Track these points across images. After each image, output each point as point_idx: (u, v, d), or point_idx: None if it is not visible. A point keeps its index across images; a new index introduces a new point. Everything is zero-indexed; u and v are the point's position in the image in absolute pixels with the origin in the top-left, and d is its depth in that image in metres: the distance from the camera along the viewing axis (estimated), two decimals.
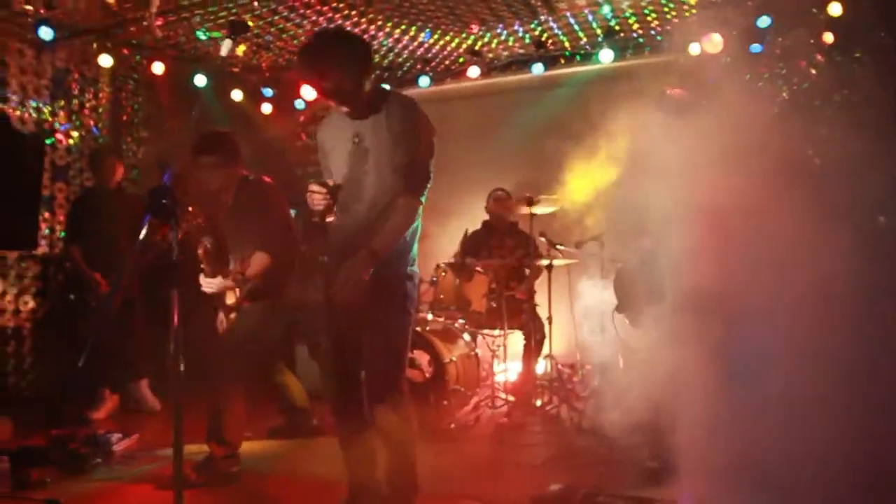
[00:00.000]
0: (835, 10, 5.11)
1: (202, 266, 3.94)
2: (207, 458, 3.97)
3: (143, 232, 2.48)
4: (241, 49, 6.70)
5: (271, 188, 4.21)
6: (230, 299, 4.09)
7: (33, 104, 6.28)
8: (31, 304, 6.23)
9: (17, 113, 6.13)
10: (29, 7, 5.65)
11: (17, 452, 3.99)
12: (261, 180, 4.17)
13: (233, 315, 4.11)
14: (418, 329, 5.23)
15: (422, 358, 5.09)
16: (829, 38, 5.49)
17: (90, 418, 5.36)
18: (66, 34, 6.09)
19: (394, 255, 2.86)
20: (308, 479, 4.07)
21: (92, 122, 6.87)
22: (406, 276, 2.98)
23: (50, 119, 6.43)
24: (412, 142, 2.82)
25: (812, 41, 5.47)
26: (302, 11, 5.86)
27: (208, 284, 3.94)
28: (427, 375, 5.05)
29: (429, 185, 2.89)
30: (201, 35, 6.30)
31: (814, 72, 5.76)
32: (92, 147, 6.67)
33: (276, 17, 5.94)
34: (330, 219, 3.01)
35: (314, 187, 3.03)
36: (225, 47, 2.57)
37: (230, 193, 4.13)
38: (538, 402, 5.38)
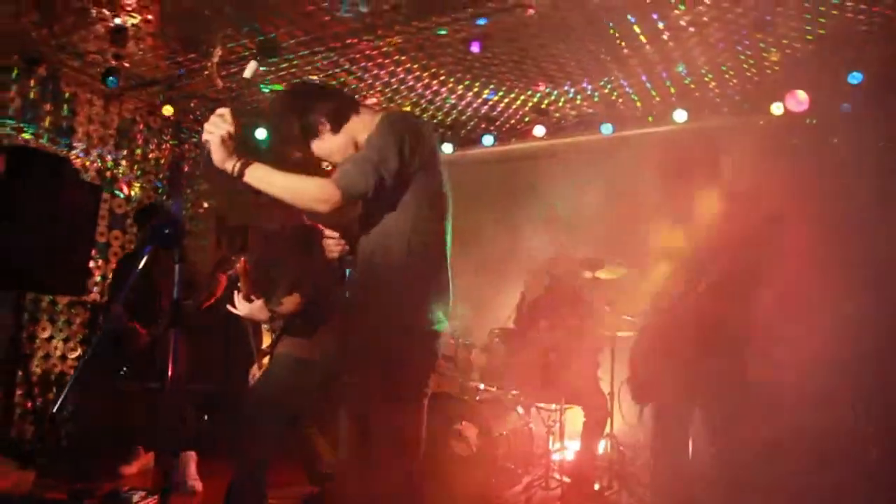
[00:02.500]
0: None
1: (238, 285, 3.72)
2: None
3: (142, 263, 2.24)
4: None
5: (317, 233, 4.05)
6: (266, 340, 3.86)
7: (97, 153, 6.31)
8: (78, 351, 6.12)
9: (80, 161, 6.15)
10: (98, 56, 5.72)
11: None
12: (311, 224, 4.01)
13: (266, 360, 3.86)
14: (466, 398, 4.85)
15: (469, 430, 4.69)
16: None
17: (122, 473, 5.10)
18: (133, 84, 6.15)
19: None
20: None
21: (152, 175, 6.88)
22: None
23: (112, 168, 6.45)
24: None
25: None
26: (364, 64, 5.76)
27: (242, 307, 3.69)
28: (474, 449, 4.65)
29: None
30: (263, 88, 6.26)
31: None
32: (150, 198, 6.66)
33: (338, 71, 5.84)
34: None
35: (328, 233, 2.83)
36: (249, 69, 2.36)
37: (281, 233, 4.01)
38: (596, 486, 4.87)
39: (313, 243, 3.94)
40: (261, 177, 2.36)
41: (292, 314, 3.71)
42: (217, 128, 2.30)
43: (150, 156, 6.86)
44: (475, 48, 5.18)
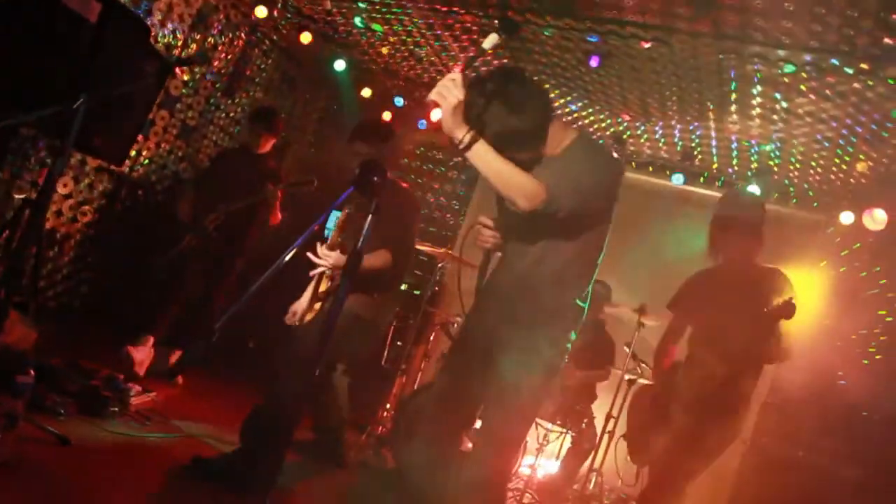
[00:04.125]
0: None
1: (329, 234, 3.63)
2: None
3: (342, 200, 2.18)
4: (385, 49, 6.50)
5: (409, 194, 4.04)
6: (323, 285, 3.77)
7: (171, 27, 6.07)
8: (89, 216, 5.91)
9: (153, 31, 5.91)
10: None
11: (39, 370, 3.61)
12: (400, 183, 3.95)
13: (318, 305, 3.77)
14: None
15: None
16: None
17: (128, 353, 4.90)
18: None
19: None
20: None
21: (216, 65, 6.67)
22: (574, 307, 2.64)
23: (181, 47, 6.21)
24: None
25: None
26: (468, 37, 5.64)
27: (325, 256, 3.58)
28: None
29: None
30: (358, 22, 6.08)
31: None
32: (211, 86, 6.49)
33: (444, 33, 5.70)
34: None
35: (484, 220, 2.75)
36: (489, 41, 2.27)
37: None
38: None
39: (405, 202, 3.91)
40: (483, 155, 2.29)
41: (368, 270, 3.62)
42: (450, 92, 2.21)
43: (221, 47, 6.63)
44: (594, 62, 5.11)
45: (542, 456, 5.29)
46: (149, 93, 5.16)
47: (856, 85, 4.33)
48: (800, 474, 5.06)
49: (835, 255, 5.72)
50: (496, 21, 2.31)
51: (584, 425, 5.27)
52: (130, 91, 4.65)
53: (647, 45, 4.72)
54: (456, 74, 2.22)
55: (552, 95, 6.07)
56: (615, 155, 3.17)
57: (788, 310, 3.20)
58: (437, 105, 2.21)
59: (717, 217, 3.71)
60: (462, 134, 2.25)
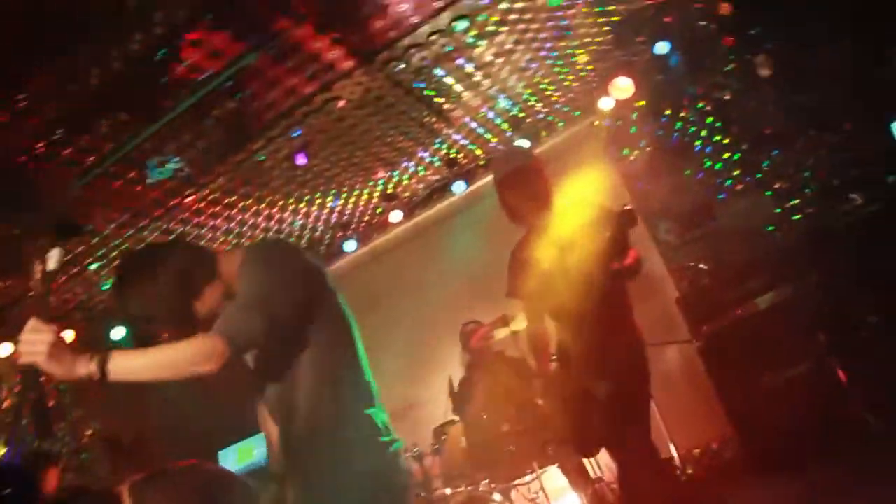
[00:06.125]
0: (724, 9, 4.82)
1: None
2: None
3: None
4: None
5: None
6: None
7: None
8: None
9: None
10: None
11: None
12: None
13: None
14: None
15: None
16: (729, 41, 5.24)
17: None
18: None
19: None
20: None
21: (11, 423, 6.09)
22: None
23: None
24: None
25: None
26: (196, 220, 5.35)
27: None
28: None
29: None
30: (103, 287, 5.69)
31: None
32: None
33: (172, 237, 5.40)
34: None
35: None
36: (53, 259, 1.91)
37: None
38: None
39: None
40: (126, 365, 1.87)
41: None
42: (35, 345, 1.79)
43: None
44: (301, 160, 4.92)
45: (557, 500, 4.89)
46: None
47: (504, 6, 4.29)
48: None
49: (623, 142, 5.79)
50: (55, 231, 1.97)
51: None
52: None
53: (342, 103, 4.62)
54: (30, 321, 1.83)
55: (308, 205, 5.85)
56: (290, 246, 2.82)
57: (631, 218, 3.06)
58: (35, 364, 1.82)
59: (498, 181, 3.52)
60: (86, 368, 1.83)
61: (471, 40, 4.49)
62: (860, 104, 5.01)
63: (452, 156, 5.96)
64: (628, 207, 3.12)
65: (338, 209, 6.17)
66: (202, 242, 5.67)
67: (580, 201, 3.50)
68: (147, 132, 4.21)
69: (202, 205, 5.19)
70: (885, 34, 4.71)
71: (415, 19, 4.09)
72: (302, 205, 5.83)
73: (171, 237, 5.29)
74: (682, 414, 5.35)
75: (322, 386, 2.13)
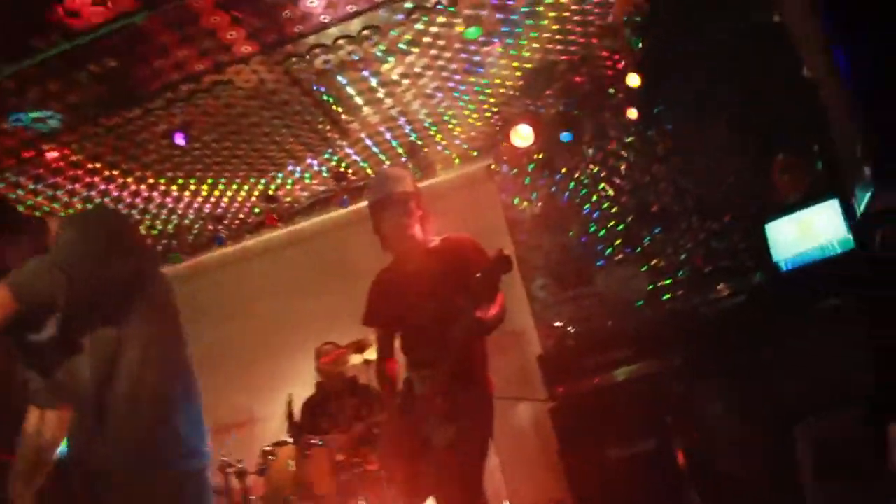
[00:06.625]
0: (633, 81, 4.85)
1: None
2: None
3: None
4: None
5: None
6: None
7: None
8: None
9: None
10: None
11: None
12: None
13: None
14: None
15: None
16: (633, 113, 5.31)
17: None
18: None
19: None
20: None
21: None
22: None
23: None
24: None
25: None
26: (52, 180, 4.89)
27: None
28: None
29: None
30: None
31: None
32: None
33: (22, 193, 4.91)
34: None
35: None
36: None
37: None
38: None
39: None
40: None
41: None
42: None
43: None
44: (180, 140, 4.58)
45: None
46: None
47: (419, 27, 4.17)
48: None
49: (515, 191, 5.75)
50: None
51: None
52: None
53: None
54: None
55: (180, 189, 5.48)
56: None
57: (506, 262, 2.88)
58: None
59: (370, 204, 3.32)
60: None
61: (379, 54, 4.33)
62: (744, 200, 5.17)
63: (342, 169, 5.73)
64: (505, 253, 2.99)
65: (212, 200, 5.81)
66: (55, 206, 5.21)
67: (457, 239, 3.36)
68: (10, 69, 3.81)
69: (62, 164, 4.73)
70: (771, 141, 4.87)
71: (325, 18, 3.89)
72: (174, 187, 5.44)
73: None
74: (525, 472, 5.30)
75: (145, 369, 1.95)
